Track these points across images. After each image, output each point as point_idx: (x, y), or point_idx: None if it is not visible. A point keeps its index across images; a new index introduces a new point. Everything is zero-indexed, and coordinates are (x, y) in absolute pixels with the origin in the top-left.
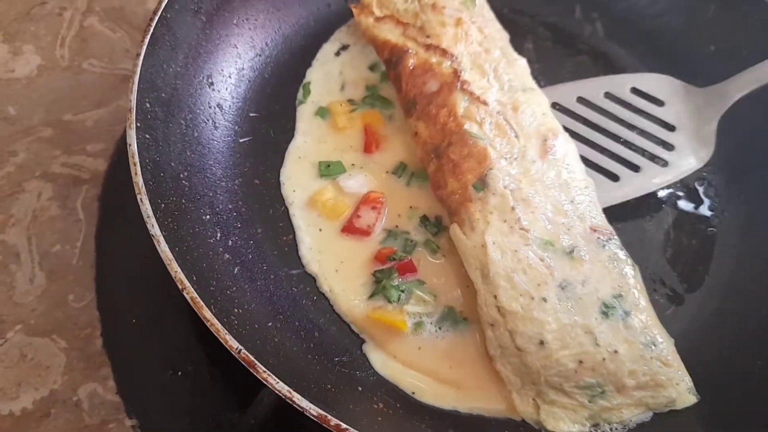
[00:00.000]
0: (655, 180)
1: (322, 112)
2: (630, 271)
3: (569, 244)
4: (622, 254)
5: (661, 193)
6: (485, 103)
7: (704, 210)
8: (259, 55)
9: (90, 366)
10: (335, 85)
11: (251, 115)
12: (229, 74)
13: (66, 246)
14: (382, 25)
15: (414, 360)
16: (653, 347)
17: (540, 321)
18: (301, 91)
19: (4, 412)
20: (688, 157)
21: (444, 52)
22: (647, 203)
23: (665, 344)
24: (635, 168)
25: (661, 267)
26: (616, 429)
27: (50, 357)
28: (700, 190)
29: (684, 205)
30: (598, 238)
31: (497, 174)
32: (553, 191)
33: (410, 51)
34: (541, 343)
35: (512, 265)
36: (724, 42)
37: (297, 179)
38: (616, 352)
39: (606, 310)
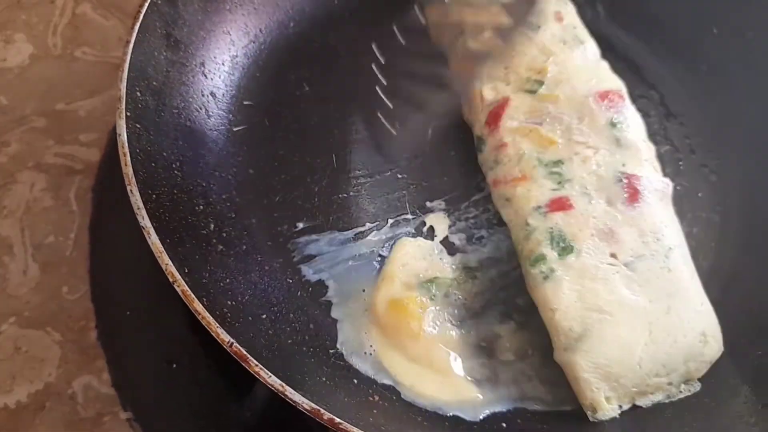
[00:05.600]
0: None
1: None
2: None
3: None
4: None
5: None
6: None
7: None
8: (253, 42)
9: (84, 358)
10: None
11: (245, 103)
12: (222, 61)
13: (59, 237)
14: None
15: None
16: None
17: None
18: None
19: None
20: None
21: None
22: None
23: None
24: None
25: None
26: None
27: (44, 349)
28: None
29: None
30: None
31: None
32: None
33: None
34: None
35: None
36: (727, 24)
37: None
38: None
39: None
